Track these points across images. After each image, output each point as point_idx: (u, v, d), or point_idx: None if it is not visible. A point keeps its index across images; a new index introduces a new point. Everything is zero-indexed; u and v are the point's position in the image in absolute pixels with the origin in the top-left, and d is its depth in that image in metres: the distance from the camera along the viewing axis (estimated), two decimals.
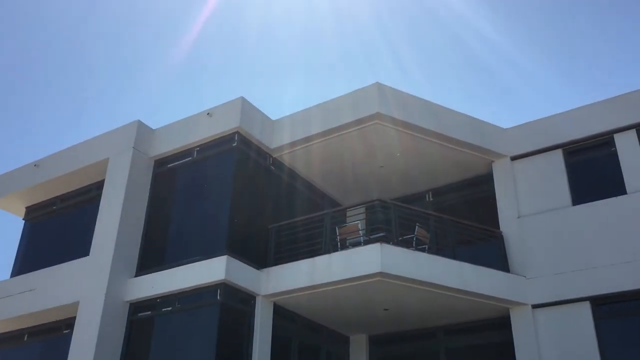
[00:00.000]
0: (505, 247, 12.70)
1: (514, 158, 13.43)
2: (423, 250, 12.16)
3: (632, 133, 12.28)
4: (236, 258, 11.67)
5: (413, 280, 11.25)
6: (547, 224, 12.40)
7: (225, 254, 11.45)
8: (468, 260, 11.92)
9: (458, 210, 13.87)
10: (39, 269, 13.68)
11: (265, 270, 12.28)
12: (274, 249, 12.72)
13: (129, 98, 28.70)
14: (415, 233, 12.21)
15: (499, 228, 12.97)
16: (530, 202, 12.87)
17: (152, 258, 12.79)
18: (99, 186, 13.75)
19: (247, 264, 11.96)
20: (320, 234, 12.56)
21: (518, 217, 12.83)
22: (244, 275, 11.79)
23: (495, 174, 13.55)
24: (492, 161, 13.64)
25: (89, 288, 12.14)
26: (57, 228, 14.77)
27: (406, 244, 11.99)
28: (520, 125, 13.66)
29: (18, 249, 15.21)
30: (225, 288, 11.37)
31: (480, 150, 13.45)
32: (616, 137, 12.41)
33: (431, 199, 14.97)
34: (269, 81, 28.16)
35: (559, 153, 12.94)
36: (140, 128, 13.75)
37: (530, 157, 13.25)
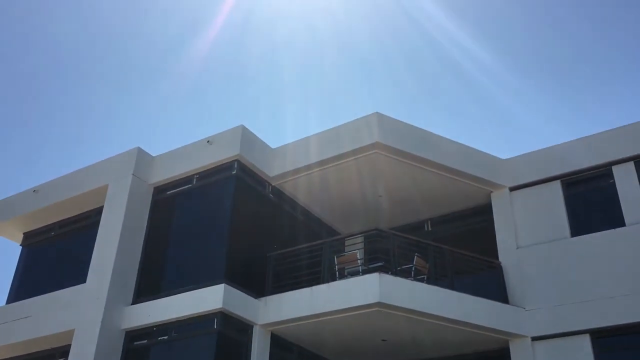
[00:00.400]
0: (505, 278, 12.65)
1: (512, 189, 13.46)
2: (422, 280, 12.10)
3: (630, 165, 12.34)
4: (234, 286, 11.60)
5: (412, 311, 11.17)
6: (546, 255, 12.37)
7: (222, 282, 11.39)
8: (467, 290, 11.87)
9: (457, 240, 13.83)
10: (35, 295, 13.59)
11: (263, 299, 12.20)
12: (272, 278, 12.66)
13: (129, 124, 28.87)
14: (414, 263, 12.17)
15: (498, 258, 12.94)
16: (529, 233, 12.86)
17: (149, 286, 12.71)
18: (97, 212, 13.73)
19: (245, 293, 11.89)
20: (318, 262, 12.51)
21: (517, 248, 12.80)
22: (242, 304, 11.70)
23: (494, 204, 13.56)
24: (491, 191, 13.67)
25: (84, 316, 12.04)
26: (55, 254, 14.72)
27: (405, 274, 11.94)
28: (518, 156, 13.73)
29: (14, 275, 15.12)
30: (223, 317, 11.28)
31: (479, 180, 13.48)
32: (614, 168, 12.46)
33: (430, 229, 14.95)
34: (269, 108, 28.37)
35: (557, 184, 12.98)
36: (140, 155, 13.80)
37: (529, 188, 13.28)
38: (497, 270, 12.79)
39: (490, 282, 12.84)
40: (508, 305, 12.16)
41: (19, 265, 15.29)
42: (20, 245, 15.69)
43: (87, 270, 12.73)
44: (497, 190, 13.60)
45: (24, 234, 15.64)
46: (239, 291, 11.70)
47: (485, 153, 13.81)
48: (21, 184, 30.62)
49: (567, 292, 11.79)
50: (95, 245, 13.02)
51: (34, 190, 15.05)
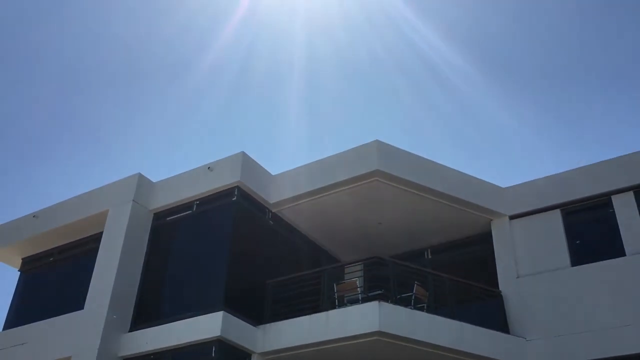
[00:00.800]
0: (505, 308, 12.57)
1: (512, 217, 13.46)
2: (422, 309, 12.03)
3: (630, 195, 12.36)
4: (233, 314, 11.53)
5: (412, 340, 11.07)
6: (547, 285, 12.32)
7: (221, 310, 11.32)
8: (467, 319, 11.78)
9: (457, 269, 13.76)
10: (32, 322, 13.48)
11: (262, 326, 12.10)
12: (271, 305, 12.58)
13: (129, 150, 28.98)
14: (414, 291, 12.11)
15: (498, 287, 12.87)
16: (529, 262, 12.82)
17: (147, 312, 12.63)
18: (97, 238, 13.70)
19: (244, 320, 11.80)
20: (318, 290, 12.44)
21: (517, 277, 12.74)
22: (240, 332, 11.61)
23: (494, 232, 13.55)
24: (491, 220, 13.67)
25: (81, 343, 11.93)
26: (53, 280, 14.65)
27: (404, 302, 11.88)
28: (518, 185, 13.76)
29: (12, 300, 15.01)
30: (221, 345, 11.18)
31: (479, 209, 13.50)
32: (614, 198, 12.49)
33: (430, 257, 14.91)
34: (270, 133, 28.53)
35: (557, 213, 12.98)
36: (141, 181, 13.84)
37: (529, 217, 13.28)
38: (497, 300, 12.71)
39: (490, 312, 12.77)
40: (509, 335, 12.06)
41: (16, 290, 15.20)
42: (19, 270, 15.61)
43: (86, 297, 12.65)
44: (497, 219, 13.60)
45: (22, 259, 15.58)
46: (237, 319, 11.62)
47: (486, 181, 13.85)
48: (21, 208, 30.61)
49: (568, 323, 11.70)
50: (94, 271, 12.97)
51: (34, 216, 15.05)
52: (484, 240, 13.85)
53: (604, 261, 11.98)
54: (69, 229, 14.33)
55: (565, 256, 12.46)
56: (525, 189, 13.60)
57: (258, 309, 12.50)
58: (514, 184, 13.81)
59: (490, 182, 13.88)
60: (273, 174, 13.99)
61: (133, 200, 13.44)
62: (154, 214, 13.82)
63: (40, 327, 13.15)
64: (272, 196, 13.68)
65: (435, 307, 12.39)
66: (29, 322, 13.51)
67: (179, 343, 11.48)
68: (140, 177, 13.88)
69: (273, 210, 13.77)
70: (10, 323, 14.38)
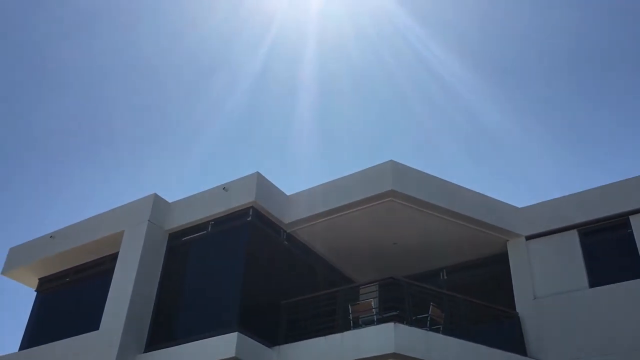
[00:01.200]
0: (522, 329, 12.41)
1: (528, 237, 13.35)
2: (437, 330, 11.91)
3: None
4: (247, 335, 11.49)
5: None
6: (564, 307, 12.15)
7: (236, 331, 11.28)
8: (483, 341, 11.62)
9: (473, 289, 13.65)
10: (48, 341, 13.53)
11: (277, 347, 12.05)
12: (286, 326, 12.53)
13: (145, 171, 29.24)
14: (430, 312, 11.99)
15: (514, 308, 12.73)
16: (546, 283, 12.68)
17: (162, 333, 12.63)
18: (113, 258, 13.78)
19: (258, 341, 11.75)
20: (333, 311, 12.39)
21: (534, 298, 12.60)
22: (255, 353, 11.55)
23: (510, 253, 13.44)
24: (507, 240, 13.57)
25: None
26: (69, 300, 14.71)
27: (420, 323, 11.77)
28: (534, 205, 13.66)
29: (28, 321, 15.08)
30: None
31: (495, 229, 13.40)
32: (632, 218, 12.35)
33: (445, 277, 14.80)
34: (284, 153, 28.65)
35: (574, 234, 12.86)
36: (157, 201, 13.94)
37: (546, 237, 13.16)
38: (514, 321, 12.56)
39: (507, 333, 12.61)
40: (526, 358, 11.88)
41: (33, 311, 15.28)
42: (35, 290, 15.72)
43: (101, 317, 12.69)
44: (513, 239, 13.50)
45: (39, 279, 15.69)
46: (252, 340, 11.57)
47: (501, 201, 13.78)
48: (38, 228, 30.89)
49: (585, 345, 11.52)
50: (110, 291, 13.02)
51: (51, 236, 15.18)
52: (500, 260, 13.72)
53: (622, 282, 11.81)
54: (85, 249, 14.44)
55: (582, 277, 12.30)
56: (541, 209, 13.50)
57: (272, 329, 12.45)
58: (530, 204, 13.74)
59: (506, 202, 13.81)
60: (287, 193, 14.03)
61: (149, 221, 13.52)
62: (170, 234, 13.89)
63: (56, 347, 13.19)
64: (287, 216, 13.70)
65: (451, 328, 12.26)
66: (45, 342, 13.56)
67: None
68: (156, 197, 13.98)
69: (288, 231, 13.78)
70: (27, 343, 14.44)
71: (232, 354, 11.04)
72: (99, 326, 12.62)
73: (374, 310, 12.21)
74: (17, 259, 15.64)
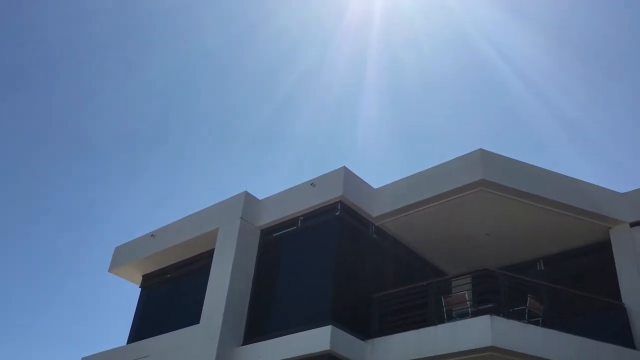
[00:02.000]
0: (629, 321, 11.74)
1: (633, 224, 12.59)
2: (536, 323, 11.50)
3: None
4: (340, 328, 11.60)
5: (528, 356, 10.59)
6: None
7: (330, 324, 11.43)
8: (586, 334, 11.11)
9: (572, 280, 13.09)
10: (153, 335, 14.28)
11: (370, 341, 12.08)
12: (378, 319, 12.54)
13: (228, 167, 30.26)
14: (528, 304, 11.60)
15: (619, 299, 12.06)
16: None
17: (257, 327, 13.00)
18: (209, 255, 14.33)
19: (352, 335, 11.84)
20: (425, 304, 12.26)
21: None
22: (349, 346, 11.65)
23: (614, 241, 12.74)
24: (609, 227, 12.86)
25: (199, 356, 12.46)
26: (171, 295, 15.47)
27: (517, 316, 11.41)
28: (638, 189, 12.86)
29: (134, 315, 15.99)
30: (331, 359, 11.27)
31: (594, 216, 12.75)
32: None
33: (542, 268, 14.25)
34: (368, 150, 28.60)
35: None
36: (248, 199, 14.33)
37: None
38: (619, 312, 11.90)
39: (611, 325, 11.98)
40: (635, 351, 11.24)
41: (138, 306, 16.19)
42: (140, 287, 16.63)
43: (201, 311, 13.24)
44: (616, 226, 12.78)
45: (142, 276, 16.59)
46: (346, 333, 11.68)
47: (600, 187, 13.08)
48: (138, 228, 32.67)
49: None
50: (208, 286, 13.54)
51: (152, 235, 15.99)
52: (602, 249, 13.04)
53: None
54: (184, 246, 15.10)
55: None
56: None
57: (364, 323, 12.50)
58: (632, 189, 12.94)
59: (605, 187, 13.10)
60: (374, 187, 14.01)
61: (241, 218, 13.94)
62: (261, 230, 14.25)
63: (161, 340, 13.89)
64: (375, 210, 13.69)
65: (551, 321, 11.80)
66: (151, 336, 14.32)
67: (290, 357, 11.68)
68: (247, 195, 14.38)
69: (376, 224, 13.77)
70: (134, 337, 15.33)
71: (326, 347, 11.19)
72: (199, 320, 13.17)
73: (468, 302, 11.97)
74: (122, 257, 16.60)
